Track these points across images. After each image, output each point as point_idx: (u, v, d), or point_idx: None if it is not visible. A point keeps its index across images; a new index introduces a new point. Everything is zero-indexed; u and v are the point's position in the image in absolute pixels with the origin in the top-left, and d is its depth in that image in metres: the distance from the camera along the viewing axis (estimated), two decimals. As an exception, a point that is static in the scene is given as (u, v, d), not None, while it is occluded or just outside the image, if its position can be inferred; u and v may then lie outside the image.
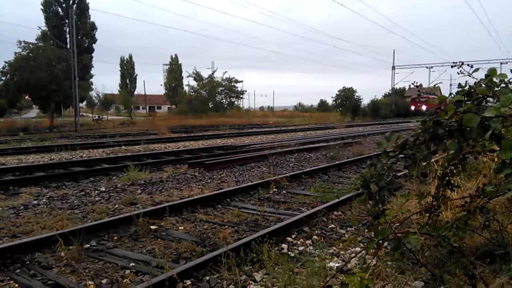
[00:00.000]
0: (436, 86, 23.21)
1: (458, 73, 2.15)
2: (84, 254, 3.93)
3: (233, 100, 50.62)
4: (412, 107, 51.90)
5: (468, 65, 2.18)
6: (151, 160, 10.83)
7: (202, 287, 3.16)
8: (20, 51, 30.61)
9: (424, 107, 48.53)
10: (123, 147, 14.87)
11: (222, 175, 8.75)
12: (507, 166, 1.76)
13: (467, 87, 2.28)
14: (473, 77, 2.16)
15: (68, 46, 32.71)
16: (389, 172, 2.49)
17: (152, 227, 4.81)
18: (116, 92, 61.81)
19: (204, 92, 46.57)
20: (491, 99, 2.18)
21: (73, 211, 5.68)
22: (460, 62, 2.15)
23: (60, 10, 39.54)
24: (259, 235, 4.04)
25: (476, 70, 2.13)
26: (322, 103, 74.24)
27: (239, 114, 46.57)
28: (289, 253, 3.95)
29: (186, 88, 56.60)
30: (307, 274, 3.11)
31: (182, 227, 4.95)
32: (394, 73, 51.92)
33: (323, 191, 6.82)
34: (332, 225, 4.89)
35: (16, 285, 3.29)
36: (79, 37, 37.54)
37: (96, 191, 7.01)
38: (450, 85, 51.81)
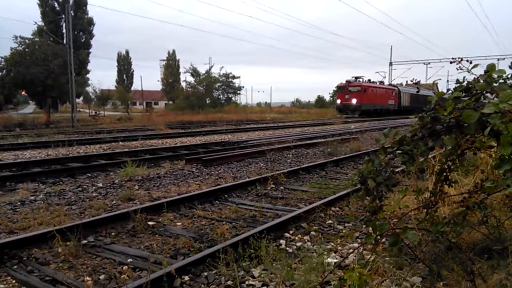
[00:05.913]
0: (436, 82, 23.24)
1: (457, 69, 2.15)
2: (82, 250, 3.92)
3: (230, 96, 50.54)
4: (338, 101, 39.72)
5: (467, 61, 2.17)
6: (149, 156, 10.80)
7: (200, 283, 3.16)
8: (16, 46, 30.53)
9: (354, 101, 37.26)
10: (120, 142, 14.82)
11: (219, 171, 8.74)
12: (506, 162, 1.76)
13: (465, 83, 2.28)
14: (472, 73, 2.16)
15: (65, 41, 32.55)
16: (387, 168, 2.49)
17: (150, 223, 4.81)
18: (113, 87, 61.76)
19: (201, 88, 46.48)
20: (489, 95, 2.18)
21: (71, 207, 5.66)
22: (459, 58, 2.14)
23: (56, 5, 39.28)
24: (257, 231, 4.04)
25: (476, 66, 2.13)
26: (320, 99, 74.03)
27: (236, 110, 46.50)
28: (287, 248, 3.95)
29: (183, 84, 56.63)
30: (305, 270, 3.11)
31: (180, 223, 4.94)
32: (392, 69, 51.86)
33: (320, 187, 6.83)
34: (330, 221, 4.90)
35: (13, 281, 3.28)
36: (76, 32, 37.34)
37: (94, 187, 6.99)
38: (447, 81, 51.60)
